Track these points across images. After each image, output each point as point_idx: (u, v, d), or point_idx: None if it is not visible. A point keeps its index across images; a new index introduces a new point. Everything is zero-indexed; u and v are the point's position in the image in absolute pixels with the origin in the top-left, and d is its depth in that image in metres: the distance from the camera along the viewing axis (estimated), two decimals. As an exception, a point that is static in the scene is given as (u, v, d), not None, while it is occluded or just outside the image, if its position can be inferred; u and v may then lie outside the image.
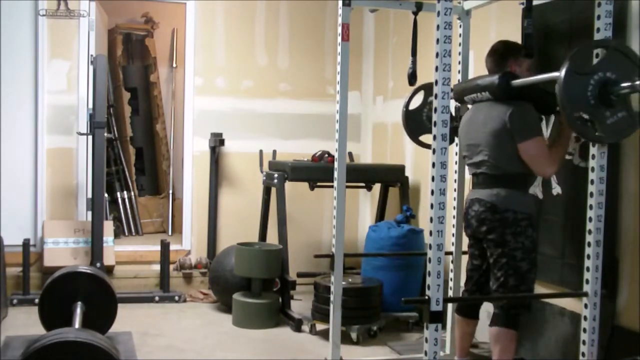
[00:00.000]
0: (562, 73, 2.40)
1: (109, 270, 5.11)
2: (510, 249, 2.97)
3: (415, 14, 3.45)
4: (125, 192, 6.79)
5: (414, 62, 3.49)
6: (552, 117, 3.32)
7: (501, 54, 3.12)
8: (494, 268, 3.04)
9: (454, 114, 3.54)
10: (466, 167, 3.37)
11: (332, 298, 3.43)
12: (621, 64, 2.47)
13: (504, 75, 2.98)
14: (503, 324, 2.98)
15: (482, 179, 3.09)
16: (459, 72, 3.62)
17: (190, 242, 5.61)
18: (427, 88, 3.71)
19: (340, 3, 3.29)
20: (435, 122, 2.38)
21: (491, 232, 3.01)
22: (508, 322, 2.98)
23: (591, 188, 2.59)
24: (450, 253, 3.62)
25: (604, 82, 2.43)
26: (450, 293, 3.63)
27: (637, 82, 2.40)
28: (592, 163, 2.60)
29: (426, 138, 3.84)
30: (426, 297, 2.36)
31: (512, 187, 3.01)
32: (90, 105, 5.03)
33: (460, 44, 3.61)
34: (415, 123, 3.73)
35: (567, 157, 3.36)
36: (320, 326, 4.25)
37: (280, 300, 4.63)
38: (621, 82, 2.43)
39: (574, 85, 2.42)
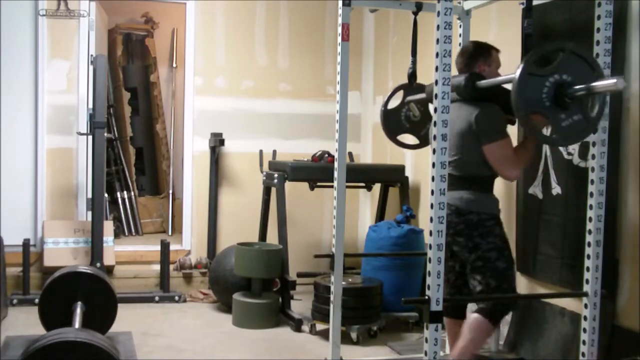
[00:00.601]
0: (517, 74, 2.39)
1: (109, 270, 5.11)
2: (483, 251, 2.97)
3: (415, 14, 3.45)
4: (125, 192, 6.79)
5: (414, 62, 3.50)
6: None
7: (470, 54, 3.12)
8: (473, 273, 3.01)
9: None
10: None
11: (332, 298, 3.43)
12: (578, 67, 2.45)
13: (470, 76, 2.98)
14: (487, 315, 2.95)
15: (450, 181, 3.00)
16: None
17: (190, 242, 5.61)
18: (406, 88, 3.70)
19: (340, 3, 3.29)
20: (435, 122, 2.38)
21: (459, 235, 2.99)
22: (492, 315, 2.96)
23: (591, 188, 2.59)
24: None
25: (559, 84, 2.42)
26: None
27: (592, 84, 2.38)
28: (592, 163, 2.60)
29: (405, 138, 3.81)
30: (426, 297, 2.36)
31: (477, 189, 3.00)
32: (90, 105, 5.03)
33: (460, 44, 3.61)
34: (394, 123, 3.71)
35: (567, 157, 3.36)
36: (320, 326, 4.25)
37: (280, 300, 4.63)
38: (576, 84, 2.42)
39: (528, 86, 2.40)
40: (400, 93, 3.73)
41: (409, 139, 3.82)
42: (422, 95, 3.51)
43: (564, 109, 2.44)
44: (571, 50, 2.47)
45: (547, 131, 2.53)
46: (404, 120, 3.73)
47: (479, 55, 3.10)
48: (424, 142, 3.77)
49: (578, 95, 2.43)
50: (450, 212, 2.98)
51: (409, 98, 3.70)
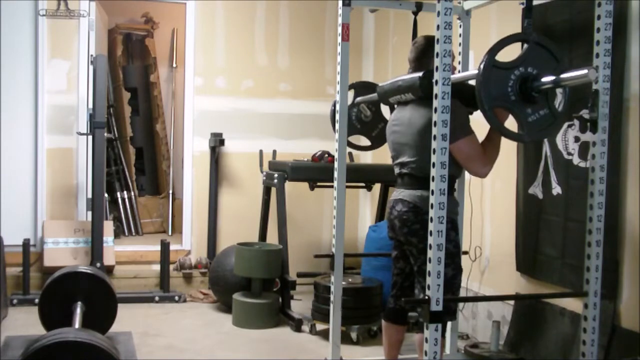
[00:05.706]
0: (481, 67, 2.33)
1: (109, 270, 5.11)
2: None
3: (415, 14, 3.43)
4: (125, 192, 6.78)
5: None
6: None
7: (422, 49, 2.98)
8: (419, 275, 2.87)
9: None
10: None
11: (332, 298, 3.43)
12: (542, 59, 2.39)
13: (425, 75, 2.81)
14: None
15: (408, 180, 2.96)
16: (459, 72, 3.61)
17: (190, 242, 5.61)
18: (358, 87, 3.63)
19: (340, 3, 3.29)
20: (435, 122, 2.37)
21: (413, 234, 2.87)
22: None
23: (591, 188, 2.59)
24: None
25: (525, 78, 2.35)
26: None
27: (562, 76, 2.32)
28: (592, 163, 2.60)
29: (357, 139, 3.76)
30: (426, 297, 2.36)
31: None
32: (90, 105, 5.03)
33: (460, 44, 3.61)
34: None
35: (567, 157, 3.36)
36: (320, 326, 4.25)
37: (280, 300, 4.63)
38: (541, 76, 2.35)
39: (493, 79, 2.33)
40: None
41: (361, 140, 3.75)
42: (373, 96, 3.38)
43: (531, 103, 2.37)
44: (535, 41, 2.40)
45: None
46: (355, 120, 3.62)
47: (431, 50, 2.73)
48: (376, 143, 3.67)
49: (545, 89, 2.37)
50: (407, 209, 2.90)
51: (359, 99, 3.59)
